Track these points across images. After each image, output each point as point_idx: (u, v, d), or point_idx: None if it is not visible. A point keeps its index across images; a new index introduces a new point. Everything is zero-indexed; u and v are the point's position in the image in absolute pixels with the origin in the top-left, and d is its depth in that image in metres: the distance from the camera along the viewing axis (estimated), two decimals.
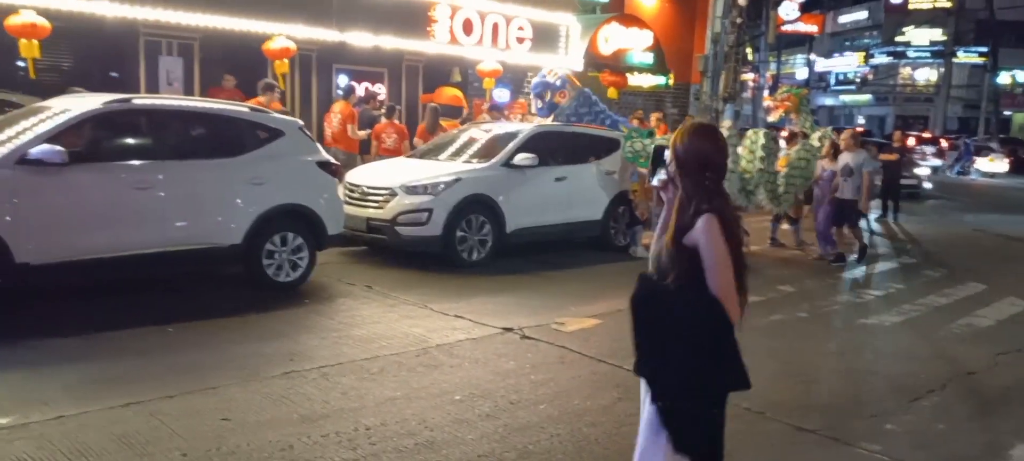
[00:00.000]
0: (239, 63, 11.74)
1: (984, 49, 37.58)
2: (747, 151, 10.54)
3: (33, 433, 4.10)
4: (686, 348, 2.78)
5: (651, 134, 10.62)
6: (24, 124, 6.47)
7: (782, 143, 12.79)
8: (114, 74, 11.86)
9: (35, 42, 9.72)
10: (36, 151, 6.05)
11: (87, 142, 6.52)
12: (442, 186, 8.76)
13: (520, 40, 15.43)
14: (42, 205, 6.13)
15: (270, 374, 5.22)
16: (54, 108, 6.70)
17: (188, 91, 11.72)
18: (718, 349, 2.79)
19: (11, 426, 4.17)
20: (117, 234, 6.48)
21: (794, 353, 6.49)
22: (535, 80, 12.03)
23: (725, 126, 11.60)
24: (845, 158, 10.42)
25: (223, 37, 11.60)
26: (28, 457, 3.84)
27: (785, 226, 11.85)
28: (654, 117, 14.08)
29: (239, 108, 7.75)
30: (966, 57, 40.61)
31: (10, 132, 6.36)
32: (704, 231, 2.70)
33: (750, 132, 10.91)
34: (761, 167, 10.47)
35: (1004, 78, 41.71)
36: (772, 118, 13.09)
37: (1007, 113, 42.28)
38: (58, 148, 6.10)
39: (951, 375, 6.07)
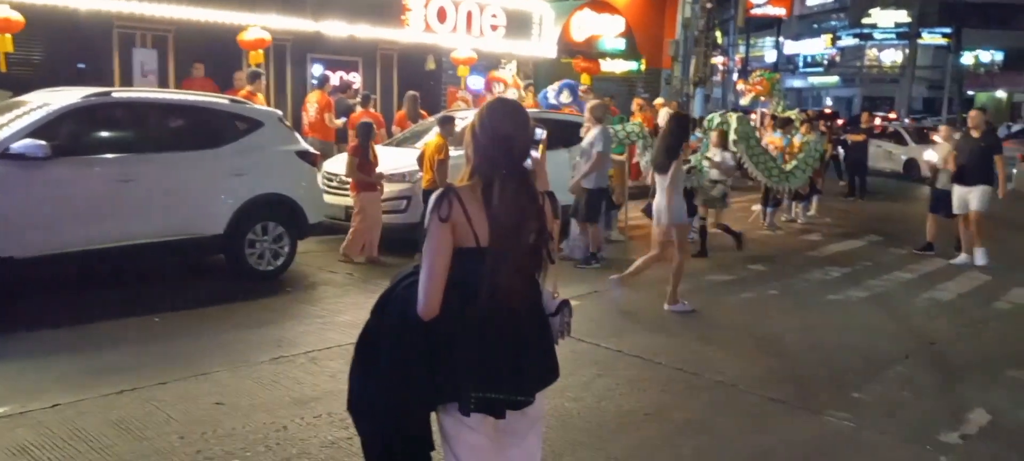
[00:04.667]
0: (214, 54, 11.75)
1: (948, 30, 38.24)
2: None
3: (32, 421, 4.20)
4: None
5: (623, 120, 10.82)
6: (3, 119, 6.50)
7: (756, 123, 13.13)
8: (81, 65, 11.80)
9: (8, 36, 9.69)
10: (18, 146, 6.09)
11: (68, 136, 6.53)
12: (420, 173, 8.88)
13: (494, 27, 15.54)
14: (25, 199, 6.18)
15: (259, 360, 5.35)
16: (33, 102, 6.73)
17: (162, 83, 11.73)
18: (384, 350, 2.43)
19: (11, 415, 4.26)
20: (100, 226, 6.55)
21: (766, 328, 6.73)
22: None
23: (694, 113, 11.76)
24: (588, 137, 8.78)
25: (198, 28, 11.60)
26: (29, 443, 3.95)
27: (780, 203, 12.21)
28: (636, 103, 14.30)
29: (218, 100, 7.82)
30: (930, 38, 41.31)
31: None
32: None
33: (731, 116, 11.14)
34: (734, 150, 10.71)
35: (967, 58, 42.49)
36: (744, 101, 13.39)
37: (970, 93, 43.11)
38: (40, 142, 6.14)
39: (915, 346, 6.35)
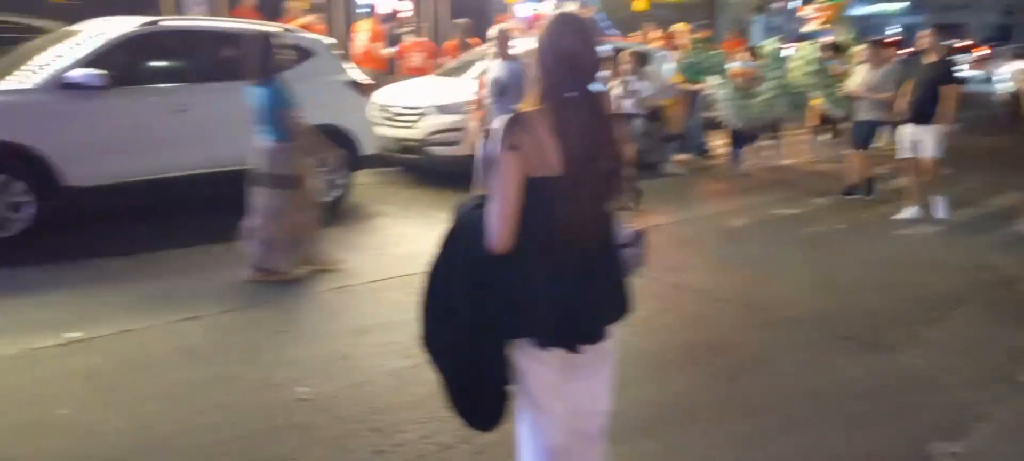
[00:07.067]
0: None
1: None
2: (802, 63, 10.37)
3: (102, 346, 4.27)
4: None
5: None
6: (60, 49, 6.53)
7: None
8: None
9: None
10: (75, 75, 6.13)
11: (124, 65, 6.52)
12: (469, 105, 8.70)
13: None
14: (85, 128, 6.24)
15: (322, 289, 5.36)
16: (88, 31, 6.73)
17: (213, 11, 11.66)
18: (457, 288, 2.32)
19: (83, 340, 4.33)
20: (159, 156, 6.60)
21: (831, 264, 6.51)
22: None
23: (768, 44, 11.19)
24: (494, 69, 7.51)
25: None
26: (101, 368, 4.03)
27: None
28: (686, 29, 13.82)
29: (272, 29, 7.72)
30: None
31: (46, 57, 6.44)
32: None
33: (802, 45, 10.74)
34: (815, 81, 10.30)
35: None
36: (808, 29, 12.83)
37: None
38: (98, 71, 6.17)
39: (987, 282, 6.07)
